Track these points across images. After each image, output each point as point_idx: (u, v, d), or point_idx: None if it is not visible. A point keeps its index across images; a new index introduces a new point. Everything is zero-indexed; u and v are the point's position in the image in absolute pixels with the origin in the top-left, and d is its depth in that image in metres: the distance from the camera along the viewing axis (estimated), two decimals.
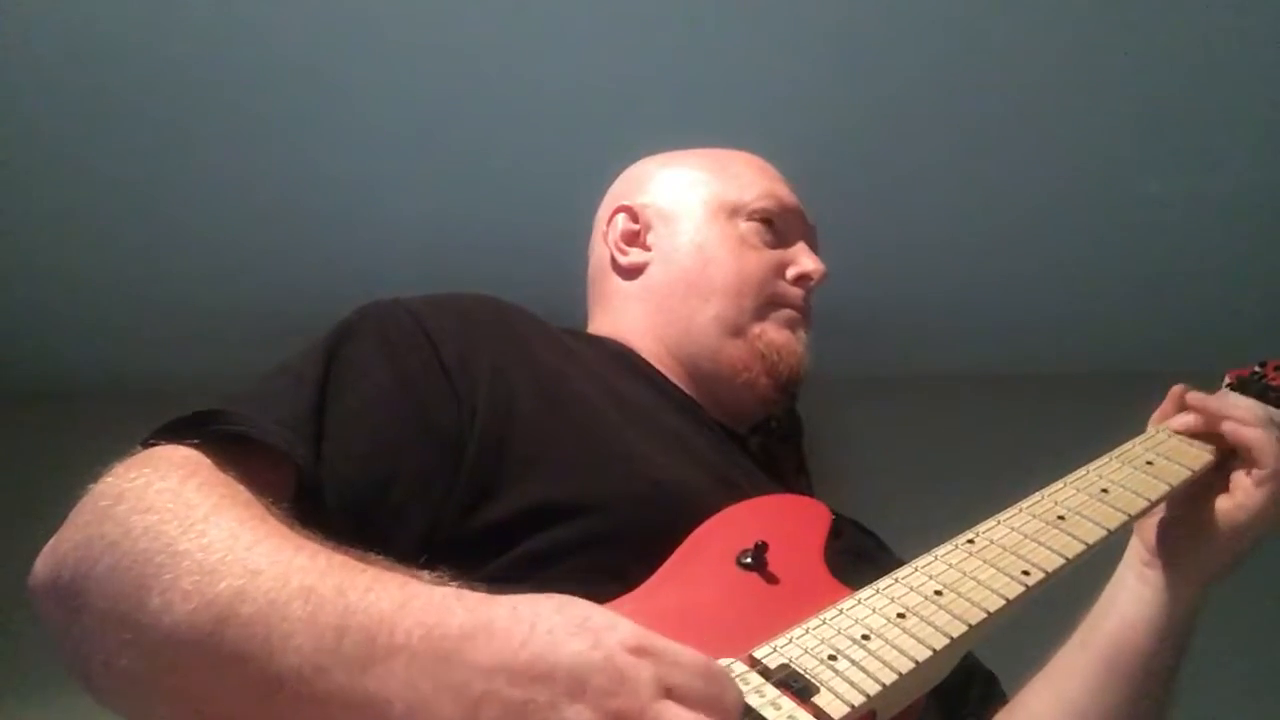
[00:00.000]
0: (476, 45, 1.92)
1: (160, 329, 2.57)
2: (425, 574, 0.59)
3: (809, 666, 0.63)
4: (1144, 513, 0.84)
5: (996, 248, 2.41)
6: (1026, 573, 0.74)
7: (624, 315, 1.06)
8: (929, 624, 0.68)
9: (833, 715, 0.60)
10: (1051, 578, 0.74)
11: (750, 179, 1.07)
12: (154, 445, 0.69)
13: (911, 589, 0.71)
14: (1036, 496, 0.83)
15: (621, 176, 1.15)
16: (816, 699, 0.60)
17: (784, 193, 1.08)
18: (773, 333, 1.02)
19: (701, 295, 1.02)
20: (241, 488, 0.64)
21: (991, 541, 0.77)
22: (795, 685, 0.61)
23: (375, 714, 0.51)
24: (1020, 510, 0.81)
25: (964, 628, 0.68)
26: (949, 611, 0.69)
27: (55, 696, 1.67)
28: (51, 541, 0.64)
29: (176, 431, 0.69)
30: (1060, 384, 2.70)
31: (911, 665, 0.64)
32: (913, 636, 0.67)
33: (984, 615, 0.69)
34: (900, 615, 0.68)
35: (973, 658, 0.94)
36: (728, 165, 1.09)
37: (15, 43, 1.86)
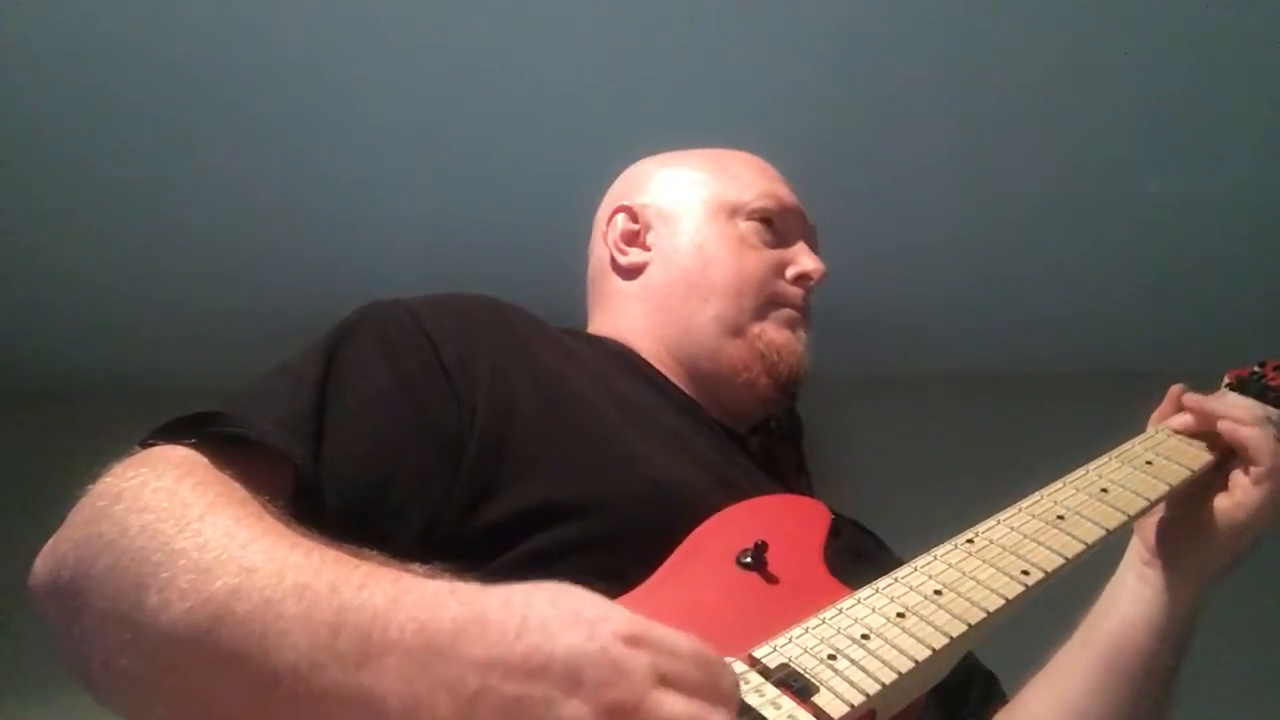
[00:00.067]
0: (476, 45, 1.92)
1: (160, 329, 2.57)
2: (418, 567, 0.59)
3: (809, 666, 0.63)
4: (1143, 512, 0.84)
5: (996, 248, 2.41)
6: (1026, 572, 0.74)
7: (624, 315, 1.06)
8: (929, 624, 0.68)
9: (832, 715, 0.60)
10: (1051, 578, 0.74)
11: (750, 179, 1.07)
12: (152, 446, 0.69)
13: (911, 589, 0.71)
14: (1036, 496, 0.84)
15: (621, 177, 1.15)
16: (816, 698, 0.61)
17: (784, 192, 1.08)
18: (772, 332, 1.02)
19: (701, 295, 1.02)
20: (238, 486, 0.64)
21: (991, 541, 0.77)
22: (795, 685, 0.61)
23: (371, 709, 0.51)
24: (1020, 510, 0.81)
25: (963, 627, 0.68)
26: (949, 611, 0.69)
27: (55, 696, 1.66)
28: (50, 542, 0.65)
29: (174, 432, 0.69)
30: (1060, 384, 2.70)
31: (911, 665, 0.65)
32: (912, 636, 0.67)
33: (983, 615, 0.69)
34: (900, 615, 0.69)
35: (973, 658, 0.94)
36: (727, 165, 1.09)
37: (15, 43, 1.86)
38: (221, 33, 1.87)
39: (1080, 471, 0.87)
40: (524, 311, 0.93)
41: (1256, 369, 1.01)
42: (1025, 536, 0.78)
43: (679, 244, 1.04)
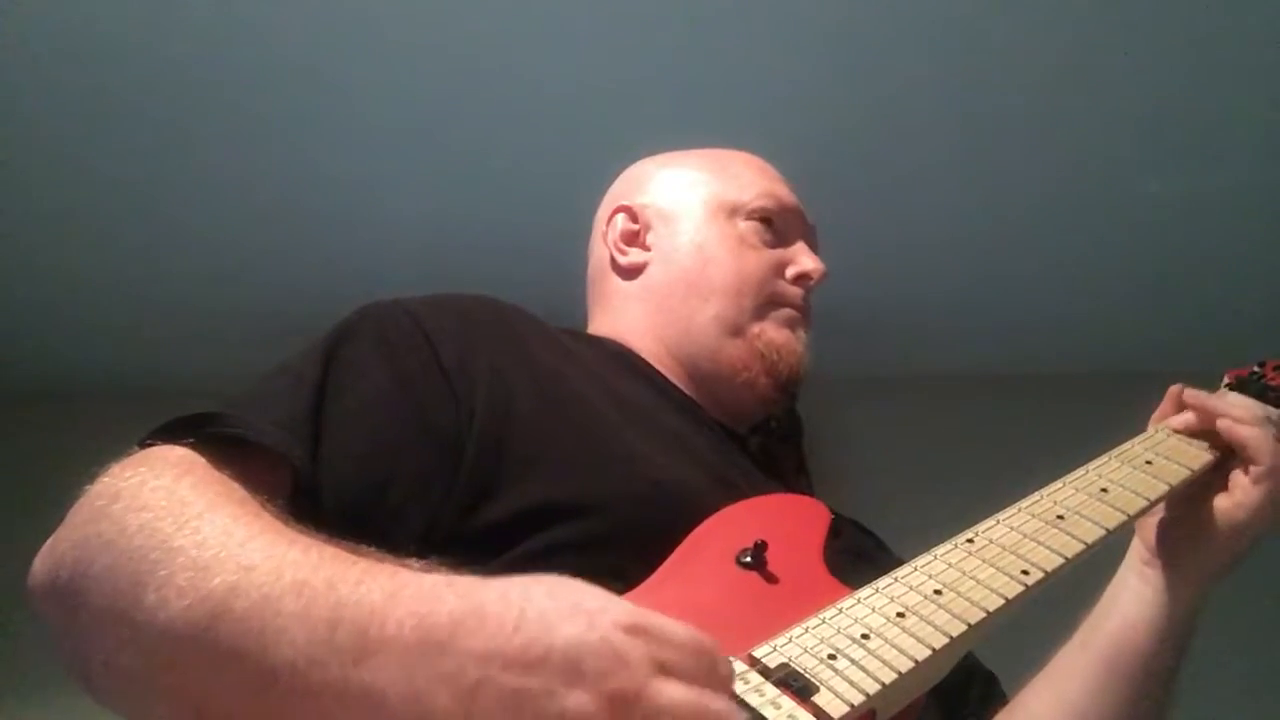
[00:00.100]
0: (476, 45, 1.92)
1: (160, 329, 2.57)
2: (415, 562, 0.59)
3: (808, 666, 0.63)
4: (1143, 512, 0.84)
5: (996, 248, 2.41)
6: (1026, 572, 0.74)
7: (623, 315, 1.06)
8: (929, 623, 0.68)
9: (832, 714, 0.60)
10: (1051, 577, 0.74)
11: (750, 179, 1.07)
12: (151, 446, 0.69)
13: (911, 588, 0.71)
14: (1036, 496, 0.84)
15: (621, 177, 1.15)
16: (816, 698, 0.61)
17: (783, 192, 1.08)
18: (772, 332, 1.02)
19: (701, 295, 1.02)
20: (236, 485, 0.64)
21: (991, 541, 0.77)
22: (795, 684, 0.61)
23: (370, 705, 0.51)
24: (1020, 510, 0.82)
25: (963, 627, 0.68)
26: (948, 611, 0.69)
27: (55, 696, 1.66)
28: (49, 541, 0.65)
29: (173, 432, 0.70)
30: (1060, 384, 2.70)
31: (911, 664, 0.65)
32: (912, 636, 0.67)
33: (983, 615, 0.69)
34: (900, 614, 0.69)
35: (973, 658, 0.94)
36: (727, 165, 1.09)
37: (15, 43, 1.86)
38: (221, 33, 1.87)
39: (1080, 471, 0.87)
40: (523, 311, 0.93)
41: (1256, 369, 1.01)
42: (1025, 536, 0.78)
43: (679, 244, 1.05)
